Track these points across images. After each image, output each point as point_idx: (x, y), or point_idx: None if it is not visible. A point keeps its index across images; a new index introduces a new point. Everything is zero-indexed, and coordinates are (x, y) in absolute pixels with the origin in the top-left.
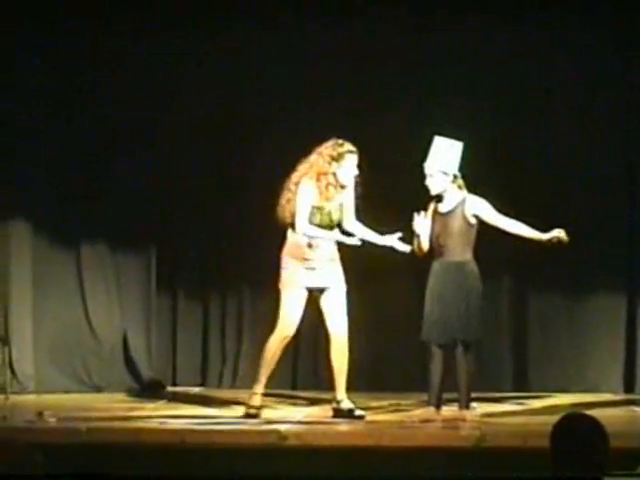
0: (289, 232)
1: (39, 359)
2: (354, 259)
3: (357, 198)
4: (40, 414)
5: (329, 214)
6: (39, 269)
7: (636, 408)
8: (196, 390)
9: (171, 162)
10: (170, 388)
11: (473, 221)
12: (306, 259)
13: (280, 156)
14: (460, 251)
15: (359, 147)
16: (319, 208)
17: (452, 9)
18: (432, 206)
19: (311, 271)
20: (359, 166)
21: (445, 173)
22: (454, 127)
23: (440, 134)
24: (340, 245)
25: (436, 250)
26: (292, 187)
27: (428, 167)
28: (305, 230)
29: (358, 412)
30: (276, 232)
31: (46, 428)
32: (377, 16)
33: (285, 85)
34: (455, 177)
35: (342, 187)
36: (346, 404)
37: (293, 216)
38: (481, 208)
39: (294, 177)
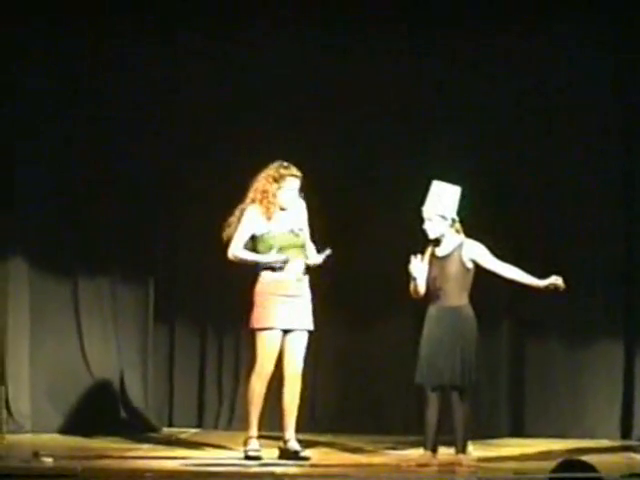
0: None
1: (35, 398)
2: (352, 300)
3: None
4: (36, 454)
5: (283, 238)
6: (36, 307)
7: (633, 454)
8: (193, 431)
9: (173, 198)
10: (166, 429)
11: (470, 265)
12: (278, 296)
13: None
14: (456, 295)
15: (356, 188)
16: (268, 233)
17: (449, 36)
18: (429, 250)
19: (283, 311)
20: (301, 190)
21: (443, 217)
22: (452, 169)
23: (438, 177)
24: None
25: (432, 294)
26: (237, 212)
27: (426, 211)
28: (235, 253)
29: (304, 453)
30: None
31: (42, 468)
32: (373, 47)
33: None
34: (453, 221)
35: (283, 209)
36: (292, 445)
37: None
38: (478, 252)
39: (243, 203)
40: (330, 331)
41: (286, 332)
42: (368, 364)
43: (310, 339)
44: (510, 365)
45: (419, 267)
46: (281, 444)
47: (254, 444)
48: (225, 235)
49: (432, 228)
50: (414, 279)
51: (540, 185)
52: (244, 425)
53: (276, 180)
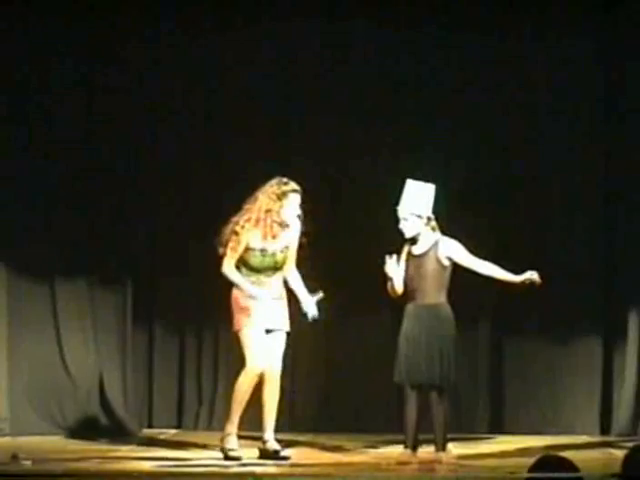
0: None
1: (14, 401)
2: (333, 300)
3: (302, 236)
4: (15, 457)
5: (273, 256)
6: (14, 310)
7: (612, 450)
8: (172, 432)
9: (151, 200)
10: (146, 430)
11: (446, 263)
12: (256, 299)
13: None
14: (434, 293)
15: (333, 190)
16: (262, 250)
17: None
18: (406, 248)
19: (262, 311)
20: (301, 206)
21: (419, 216)
22: (428, 168)
23: (414, 177)
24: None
25: (410, 292)
26: (235, 229)
27: (401, 211)
28: (227, 272)
29: (283, 453)
30: None
31: (21, 470)
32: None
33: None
34: (429, 219)
35: (285, 226)
36: (272, 444)
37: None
38: (454, 250)
39: (239, 219)
40: (309, 330)
41: (266, 332)
42: (347, 363)
43: (289, 338)
44: (489, 362)
45: (394, 267)
46: (260, 444)
47: (233, 442)
48: (218, 243)
49: (408, 227)
50: (390, 279)
51: (521, 184)
52: (223, 426)
53: (279, 198)
